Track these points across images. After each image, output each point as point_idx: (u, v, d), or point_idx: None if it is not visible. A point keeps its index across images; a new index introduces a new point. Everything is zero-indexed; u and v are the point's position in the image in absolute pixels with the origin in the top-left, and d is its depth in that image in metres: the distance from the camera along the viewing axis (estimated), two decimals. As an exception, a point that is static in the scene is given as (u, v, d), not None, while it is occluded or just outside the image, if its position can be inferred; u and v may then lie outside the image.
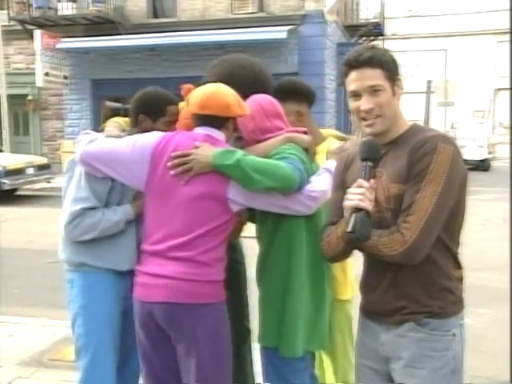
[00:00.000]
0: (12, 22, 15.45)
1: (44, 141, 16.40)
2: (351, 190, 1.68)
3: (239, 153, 2.01)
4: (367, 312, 1.87)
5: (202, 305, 1.99)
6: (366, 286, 1.87)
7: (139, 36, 14.10)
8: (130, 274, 2.14)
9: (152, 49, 14.65)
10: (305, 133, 2.26)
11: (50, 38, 14.79)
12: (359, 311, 1.92)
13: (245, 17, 14.42)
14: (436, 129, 1.86)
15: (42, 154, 15.09)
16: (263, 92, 2.27)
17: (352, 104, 1.78)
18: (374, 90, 1.73)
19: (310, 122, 2.48)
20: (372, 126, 1.76)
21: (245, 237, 2.52)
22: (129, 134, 2.19)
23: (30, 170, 12.00)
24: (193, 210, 1.99)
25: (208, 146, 2.02)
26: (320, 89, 13.14)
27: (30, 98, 15.91)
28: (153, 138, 2.07)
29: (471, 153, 19.18)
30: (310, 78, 13.35)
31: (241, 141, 2.26)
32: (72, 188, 2.16)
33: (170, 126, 2.24)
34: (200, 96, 2.06)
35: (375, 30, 18.46)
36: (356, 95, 1.75)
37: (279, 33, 13.28)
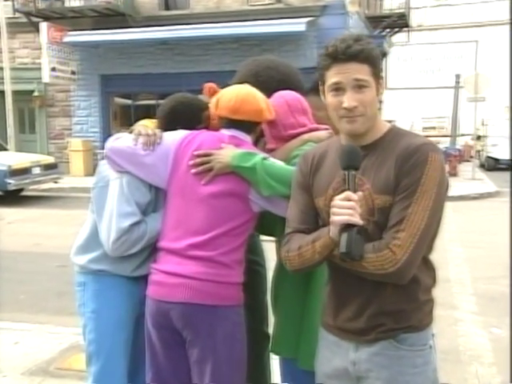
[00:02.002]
0: (17, 14, 15.65)
1: (51, 139, 16.59)
2: (338, 203, 1.57)
3: (259, 156, 2.04)
4: (333, 328, 1.80)
5: (221, 307, 2.01)
6: (335, 299, 1.80)
7: (150, 29, 14.19)
8: (145, 277, 2.17)
9: (164, 42, 14.73)
10: (326, 130, 2.27)
11: (57, 31, 14.95)
12: (320, 325, 1.86)
13: (261, 8, 14.42)
14: (416, 132, 1.83)
15: (49, 153, 15.28)
16: None
17: (331, 99, 1.68)
18: (359, 86, 1.65)
19: None
20: (354, 122, 1.67)
21: (263, 240, 2.54)
22: None
23: (37, 170, 12.14)
24: (214, 208, 2.04)
25: (231, 147, 2.07)
26: None
27: (35, 94, 16.09)
28: (178, 135, 2.14)
29: (503, 152, 18.94)
30: (330, 73, 13.50)
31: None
32: (113, 200, 2.17)
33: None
34: (233, 100, 2.11)
35: (400, 21, 18.37)
36: (338, 89, 1.66)
37: (297, 25, 13.26)
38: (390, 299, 1.70)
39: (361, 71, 1.64)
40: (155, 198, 2.21)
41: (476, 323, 4.57)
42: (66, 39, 14.86)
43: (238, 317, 2.08)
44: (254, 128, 2.17)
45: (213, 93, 2.33)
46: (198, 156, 2.06)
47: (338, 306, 1.78)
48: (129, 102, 16.41)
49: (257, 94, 2.13)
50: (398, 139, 1.70)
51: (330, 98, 1.69)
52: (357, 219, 1.56)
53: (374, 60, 1.67)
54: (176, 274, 2.02)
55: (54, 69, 14.87)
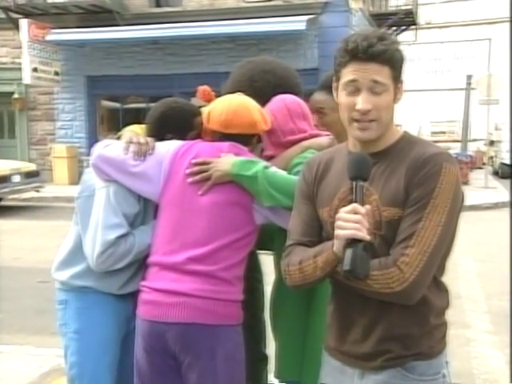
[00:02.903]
0: (-6, 10, 15.60)
1: (32, 145, 16.57)
2: (344, 215, 1.55)
3: (261, 164, 2.05)
4: (337, 351, 1.77)
5: (222, 326, 2.01)
6: (338, 320, 1.78)
7: (140, 27, 14.24)
8: (132, 294, 2.16)
9: (154, 42, 14.78)
10: (328, 136, 2.28)
11: (39, 29, 14.96)
12: (323, 349, 1.84)
13: (258, 5, 14.48)
14: (430, 141, 1.80)
15: (30, 160, 15.25)
16: None
17: (344, 98, 1.66)
18: (376, 88, 1.62)
19: None
20: (366, 130, 1.65)
21: (260, 253, 2.54)
22: None
23: (17, 178, 12.09)
24: (215, 218, 2.04)
25: (231, 155, 2.08)
26: None
27: (16, 96, 16.07)
28: (172, 146, 2.15)
29: (518, 158, 19.07)
30: (332, 74, 13.54)
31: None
32: (98, 211, 2.16)
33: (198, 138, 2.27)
34: (224, 113, 2.12)
35: (407, 18, 18.44)
36: (353, 88, 1.63)
37: (297, 23, 13.32)
38: (397, 322, 1.68)
39: (380, 73, 1.61)
40: (144, 210, 2.21)
41: (491, 343, 4.58)
42: (49, 37, 14.87)
43: (239, 336, 2.08)
44: (250, 140, 2.19)
45: (208, 98, 2.34)
46: (196, 164, 2.07)
47: (341, 328, 1.76)
48: (117, 105, 16.42)
49: (250, 105, 2.14)
50: (411, 147, 1.68)
51: (342, 97, 1.67)
52: (363, 234, 1.52)
53: (396, 62, 1.65)
54: (173, 292, 2.00)
55: (35, 69, 14.87)
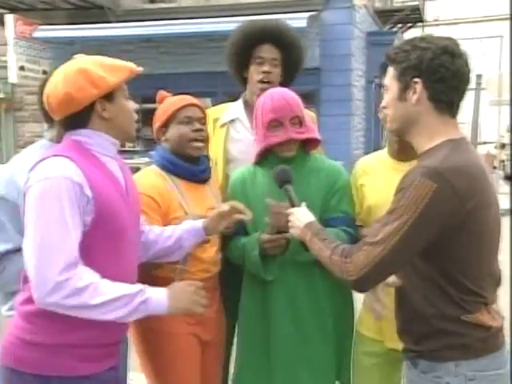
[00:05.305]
0: (-23, 5, 15.67)
1: (19, 147, 16.52)
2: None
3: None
4: None
5: None
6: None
7: (133, 24, 14.30)
8: None
9: (148, 39, 14.83)
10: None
11: (26, 25, 14.96)
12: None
13: (257, 2, 14.61)
14: (448, 154, 1.91)
15: (17, 164, 15.23)
16: None
17: None
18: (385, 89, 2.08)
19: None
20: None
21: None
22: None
23: (2, 183, 12.11)
24: None
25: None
26: (346, 87, 13.22)
27: (1, 96, 16.18)
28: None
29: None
30: (333, 75, 13.62)
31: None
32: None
33: None
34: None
35: (413, 15, 18.48)
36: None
37: (298, 20, 13.29)
38: (406, 317, 1.99)
39: (388, 74, 2.13)
40: None
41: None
42: (36, 34, 14.89)
43: None
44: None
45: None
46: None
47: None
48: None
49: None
50: (425, 158, 1.98)
51: None
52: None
53: (400, 62, 2.04)
54: None
55: (22, 68, 14.92)
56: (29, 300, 2.02)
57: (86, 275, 1.96)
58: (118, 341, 2.25)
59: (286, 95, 2.70)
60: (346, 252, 1.94)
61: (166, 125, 2.76)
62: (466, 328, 1.88)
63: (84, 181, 2.01)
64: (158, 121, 2.79)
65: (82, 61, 2.21)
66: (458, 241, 1.85)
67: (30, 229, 1.95)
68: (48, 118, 2.51)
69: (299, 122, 2.69)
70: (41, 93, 2.50)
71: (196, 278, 2.50)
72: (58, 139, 2.46)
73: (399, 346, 2.21)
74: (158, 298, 2.08)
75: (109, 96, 2.15)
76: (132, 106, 2.27)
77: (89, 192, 2.01)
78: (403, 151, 2.55)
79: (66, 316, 1.99)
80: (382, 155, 2.76)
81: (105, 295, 1.96)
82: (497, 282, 2.06)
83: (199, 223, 2.51)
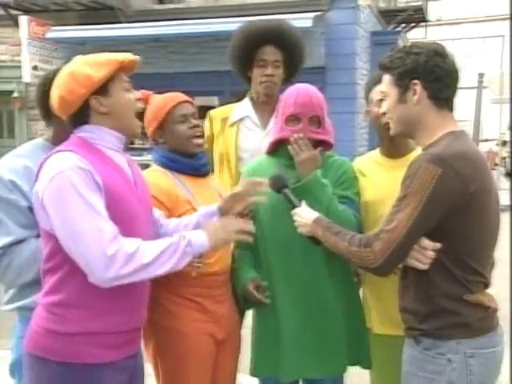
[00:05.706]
0: (-7, 7, 15.71)
1: (31, 145, 16.68)
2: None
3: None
4: None
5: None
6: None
7: (142, 24, 14.43)
8: None
9: (157, 39, 14.97)
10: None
11: (39, 26, 15.13)
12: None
13: (263, 2, 14.73)
14: (450, 143, 2.04)
15: (30, 161, 15.35)
16: None
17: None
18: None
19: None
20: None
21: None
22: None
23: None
24: None
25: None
26: (350, 85, 13.29)
27: (15, 95, 16.21)
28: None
29: (532, 159, 19.29)
30: (338, 73, 13.80)
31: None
32: None
33: None
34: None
35: (416, 15, 18.58)
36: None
37: (303, 20, 13.25)
38: (410, 297, 2.06)
39: (385, 82, 2.30)
40: None
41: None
42: (49, 35, 15.04)
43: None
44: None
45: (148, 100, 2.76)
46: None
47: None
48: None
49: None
50: (427, 149, 2.16)
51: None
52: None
53: (395, 68, 2.18)
54: None
55: (35, 67, 15.07)
56: (50, 291, 2.08)
57: (130, 241, 2.02)
58: (139, 327, 2.30)
59: (312, 93, 2.70)
60: (363, 242, 2.03)
61: (161, 126, 2.72)
62: (467, 307, 1.97)
63: (91, 167, 2.04)
64: (152, 123, 2.73)
65: (73, 63, 2.21)
66: (463, 222, 1.93)
67: (61, 230, 1.98)
68: (45, 118, 2.58)
69: (318, 121, 2.69)
70: (38, 92, 2.60)
71: (214, 271, 2.61)
72: (53, 139, 2.56)
73: (385, 331, 2.54)
74: (197, 237, 2.15)
75: (103, 91, 2.15)
76: (131, 96, 2.25)
77: (98, 179, 2.04)
78: (395, 148, 2.66)
79: (89, 304, 2.06)
80: (375, 155, 2.83)
81: (154, 250, 2.03)
82: (492, 266, 2.20)
83: (214, 206, 2.51)
